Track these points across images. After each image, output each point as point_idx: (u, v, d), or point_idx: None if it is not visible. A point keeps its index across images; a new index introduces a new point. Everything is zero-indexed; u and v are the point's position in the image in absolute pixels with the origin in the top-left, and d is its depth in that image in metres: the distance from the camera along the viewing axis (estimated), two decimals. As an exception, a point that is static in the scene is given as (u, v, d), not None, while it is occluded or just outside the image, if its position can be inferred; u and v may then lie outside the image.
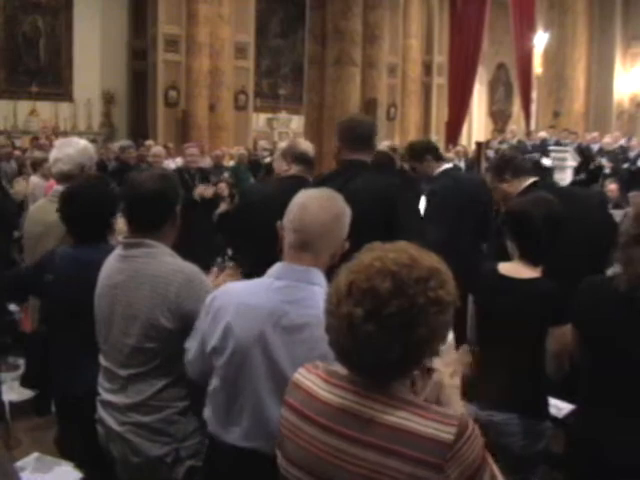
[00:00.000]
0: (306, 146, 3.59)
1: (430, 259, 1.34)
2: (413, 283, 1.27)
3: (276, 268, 1.83)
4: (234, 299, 1.82)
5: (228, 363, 1.79)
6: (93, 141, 9.54)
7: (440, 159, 4.42)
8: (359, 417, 1.31)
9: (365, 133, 3.09)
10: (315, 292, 1.75)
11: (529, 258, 2.53)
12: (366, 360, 1.30)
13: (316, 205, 1.82)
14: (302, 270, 1.79)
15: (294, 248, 1.81)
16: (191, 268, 2.24)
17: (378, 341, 1.26)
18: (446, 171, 4.29)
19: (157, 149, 8.65)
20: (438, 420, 1.27)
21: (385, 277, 1.27)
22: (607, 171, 12.14)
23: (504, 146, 14.62)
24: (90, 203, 2.61)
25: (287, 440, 1.41)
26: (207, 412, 1.89)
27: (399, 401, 1.31)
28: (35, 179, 6.83)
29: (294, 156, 3.51)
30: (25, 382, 3.04)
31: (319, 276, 1.80)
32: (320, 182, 2.95)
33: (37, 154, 7.88)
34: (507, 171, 3.49)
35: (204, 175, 7.87)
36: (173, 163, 10.33)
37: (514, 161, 3.56)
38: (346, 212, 1.87)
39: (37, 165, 7.17)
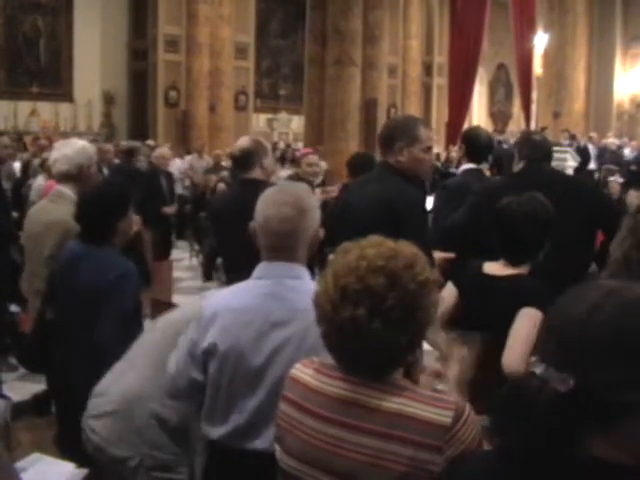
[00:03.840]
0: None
1: (407, 246, 1.39)
2: (402, 272, 1.32)
3: (258, 268, 1.86)
4: (222, 304, 1.85)
5: (222, 367, 1.81)
6: (93, 141, 9.48)
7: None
8: (358, 406, 1.34)
9: (384, 133, 3.05)
10: (298, 286, 1.78)
11: (511, 257, 2.47)
12: (375, 357, 1.33)
13: (279, 206, 1.81)
14: (282, 266, 1.82)
15: (268, 250, 1.84)
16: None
17: (386, 336, 1.29)
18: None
19: (163, 150, 8.30)
20: (435, 404, 1.31)
21: (376, 273, 1.31)
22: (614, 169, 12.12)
23: (504, 146, 14.63)
24: (95, 206, 2.71)
25: (287, 434, 1.43)
26: (209, 420, 1.89)
27: (395, 387, 1.35)
28: (40, 180, 6.69)
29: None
30: (21, 358, 3.10)
31: (300, 270, 1.84)
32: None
33: (45, 155, 7.63)
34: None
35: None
36: (174, 164, 10.30)
37: None
38: (312, 203, 1.88)
39: (44, 165, 7.02)
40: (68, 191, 3.27)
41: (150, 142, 12.25)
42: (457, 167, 4.09)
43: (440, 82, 19.66)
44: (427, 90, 19.64)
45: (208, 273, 7.54)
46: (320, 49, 13.31)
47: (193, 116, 15.50)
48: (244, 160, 3.45)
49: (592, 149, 13.62)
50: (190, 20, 15.44)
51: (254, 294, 1.82)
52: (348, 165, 5.43)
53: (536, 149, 3.40)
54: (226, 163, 11.84)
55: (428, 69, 19.66)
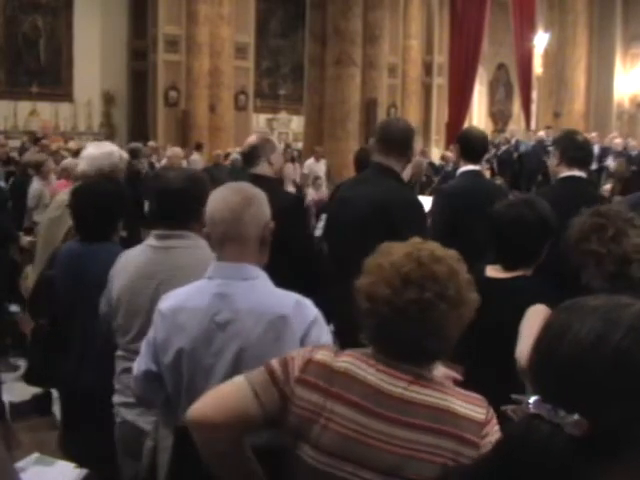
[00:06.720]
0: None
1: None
2: (456, 265, 1.43)
3: (210, 268, 1.90)
4: (177, 303, 1.91)
5: (178, 363, 1.88)
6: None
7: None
8: (401, 400, 1.38)
9: (401, 138, 3.02)
10: (248, 287, 1.84)
11: (506, 261, 2.43)
12: (434, 341, 1.38)
13: (223, 196, 1.88)
14: (232, 267, 1.86)
15: (216, 244, 1.88)
16: None
17: (450, 319, 1.38)
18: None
19: (175, 149, 8.85)
20: (469, 401, 1.40)
21: (438, 262, 1.40)
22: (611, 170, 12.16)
23: (504, 147, 14.65)
24: (97, 201, 2.71)
25: (321, 429, 1.38)
26: (176, 407, 1.93)
27: (434, 383, 1.42)
28: (35, 184, 6.46)
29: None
30: (28, 378, 3.09)
31: (251, 270, 1.87)
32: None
33: (37, 157, 7.32)
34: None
35: None
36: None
37: None
38: (259, 195, 1.91)
39: (37, 168, 6.70)
40: None
41: (152, 143, 12.24)
42: (455, 168, 4.04)
43: (440, 82, 19.63)
44: (427, 90, 19.60)
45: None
46: (320, 49, 13.32)
47: (193, 116, 15.47)
48: (250, 155, 3.52)
49: (596, 149, 13.61)
50: (190, 20, 15.41)
51: (204, 294, 1.86)
52: (354, 160, 5.35)
53: (581, 150, 3.39)
54: (227, 163, 11.83)
55: (428, 69, 19.62)
